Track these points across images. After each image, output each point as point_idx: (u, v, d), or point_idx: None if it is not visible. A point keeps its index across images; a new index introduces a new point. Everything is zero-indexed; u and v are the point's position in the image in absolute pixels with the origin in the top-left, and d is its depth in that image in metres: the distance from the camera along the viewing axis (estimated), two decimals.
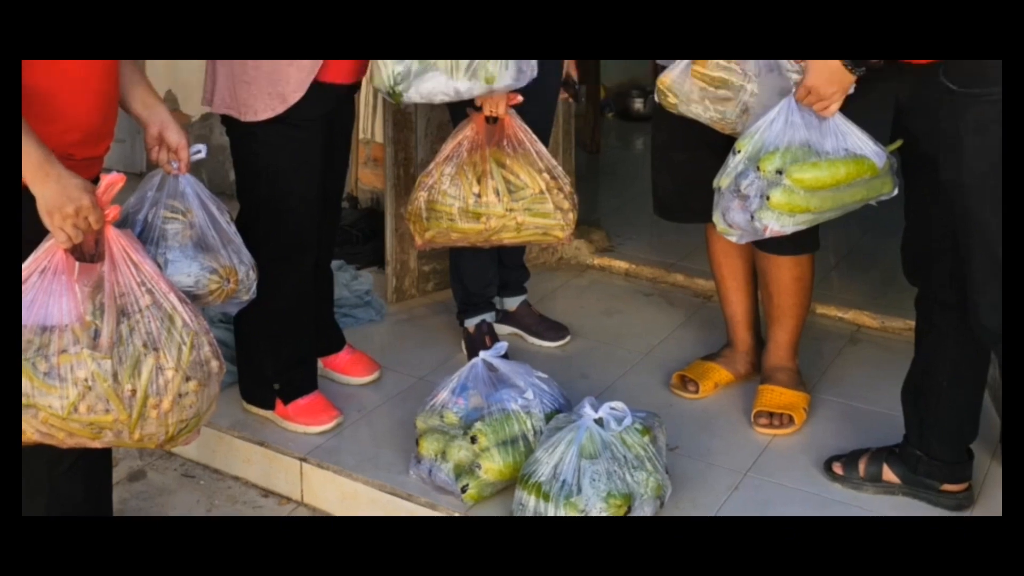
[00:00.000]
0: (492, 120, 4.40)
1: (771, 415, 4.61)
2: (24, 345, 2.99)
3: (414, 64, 4.03)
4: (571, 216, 4.49)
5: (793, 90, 3.73)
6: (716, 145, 4.07)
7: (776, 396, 4.70)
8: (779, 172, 3.65)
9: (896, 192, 3.83)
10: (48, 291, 3.03)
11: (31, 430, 3.02)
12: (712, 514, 4.07)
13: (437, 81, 4.06)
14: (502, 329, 5.49)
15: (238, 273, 3.54)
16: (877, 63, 3.54)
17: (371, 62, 4.20)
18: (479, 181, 4.36)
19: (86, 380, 3.00)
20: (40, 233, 3.05)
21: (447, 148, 4.45)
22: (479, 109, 4.39)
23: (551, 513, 3.71)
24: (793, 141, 3.69)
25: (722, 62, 3.91)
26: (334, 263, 5.23)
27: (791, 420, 4.61)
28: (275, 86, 4.13)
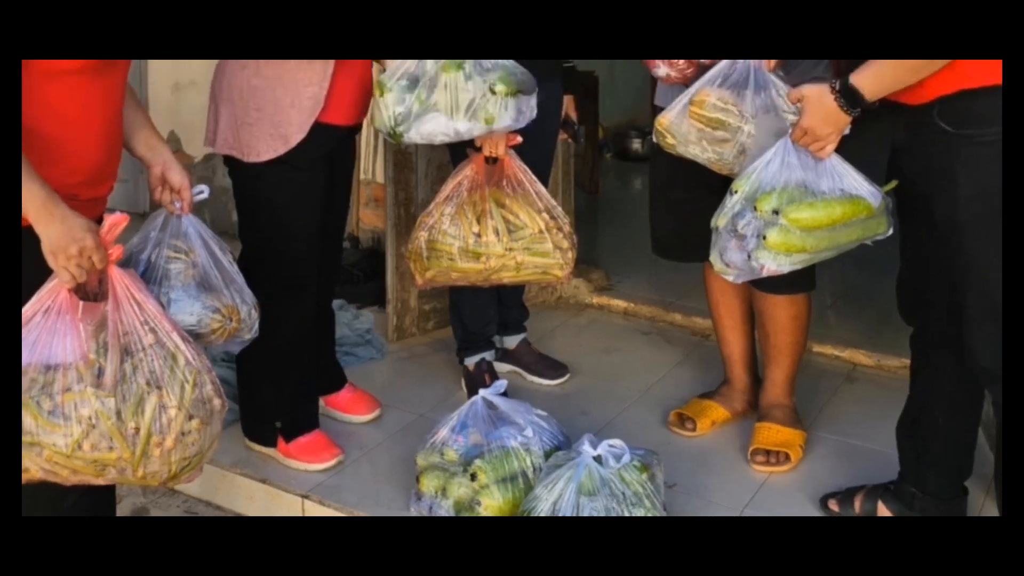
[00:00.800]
0: (492, 160, 4.41)
1: (768, 452, 4.61)
2: (28, 384, 2.99)
3: (414, 105, 4.05)
4: (570, 255, 4.50)
5: (789, 131, 3.74)
6: (713, 185, 4.08)
7: (773, 434, 4.70)
8: (776, 212, 3.66)
9: (891, 232, 3.84)
10: (52, 330, 3.04)
11: (35, 468, 3.02)
12: None
13: (437, 122, 4.07)
14: (502, 367, 5.50)
15: (240, 312, 3.55)
16: (872, 104, 3.55)
17: (372, 103, 4.22)
18: (479, 221, 4.37)
19: (90, 418, 3.00)
20: (44, 272, 3.05)
21: (447, 188, 4.46)
22: (479, 149, 4.40)
23: None
24: (789, 181, 3.70)
25: (719, 103, 3.92)
26: (335, 302, 5.24)
27: (787, 457, 4.60)
28: (277, 127, 4.14)
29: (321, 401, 4.97)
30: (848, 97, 3.53)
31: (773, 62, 3.94)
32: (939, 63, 3.32)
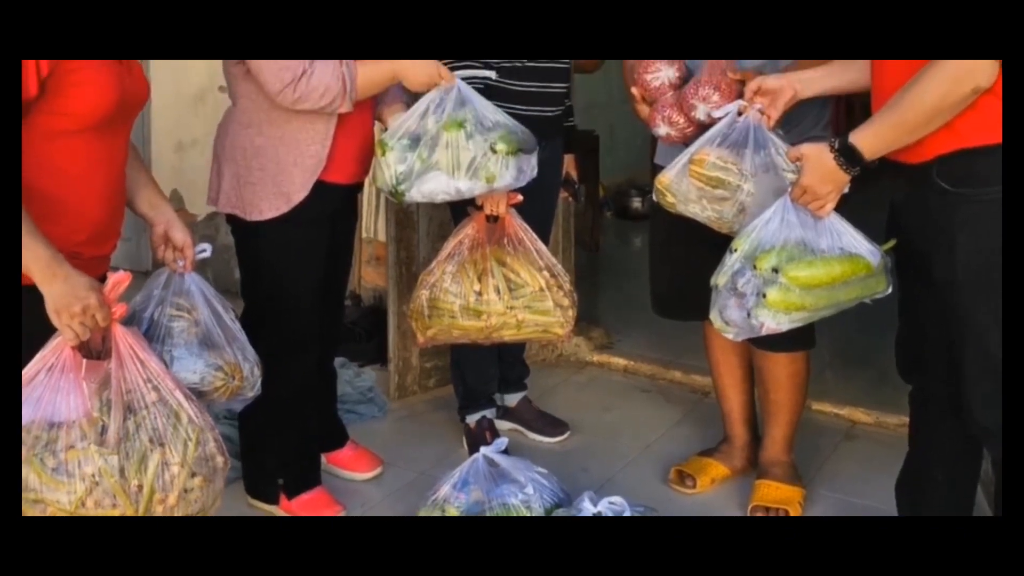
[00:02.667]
0: (493, 219, 4.42)
1: (767, 509, 4.60)
2: (32, 441, 2.99)
3: (416, 164, 4.05)
4: (571, 313, 4.50)
5: (789, 190, 3.74)
6: (713, 244, 4.07)
7: (772, 491, 4.68)
8: (775, 270, 3.65)
9: (890, 290, 3.83)
10: (56, 388, 3.03)
11: None
12: None
13: (439, 181, 4.07)
14: (502, 425, 5.49)
15: (243, 370, 3.54)
16: (871, 163, 3.55)
17: (374, 162, 4.22)
18: (480, 279, 4.37)
19: (93, 475, 2.99)
20: (48, 331, 3.05)
21: (448, 246, 4.46)
22: (480, 208, 4.40)
23: None
24: (789, 240, 3.69)
25: (719, 162, 3.92)
26: (337, 360, 5.23)
27: (787, 515, 4.58)
28: (279, 186, 4.15)
29: (323, 458, 4.96)
30: (847, 156, 3.53)
31: (773, 120, 3.95)
32: (939, 122, 3.33)
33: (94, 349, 3.13)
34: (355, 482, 5.00)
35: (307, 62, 3.97)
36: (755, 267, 3.70)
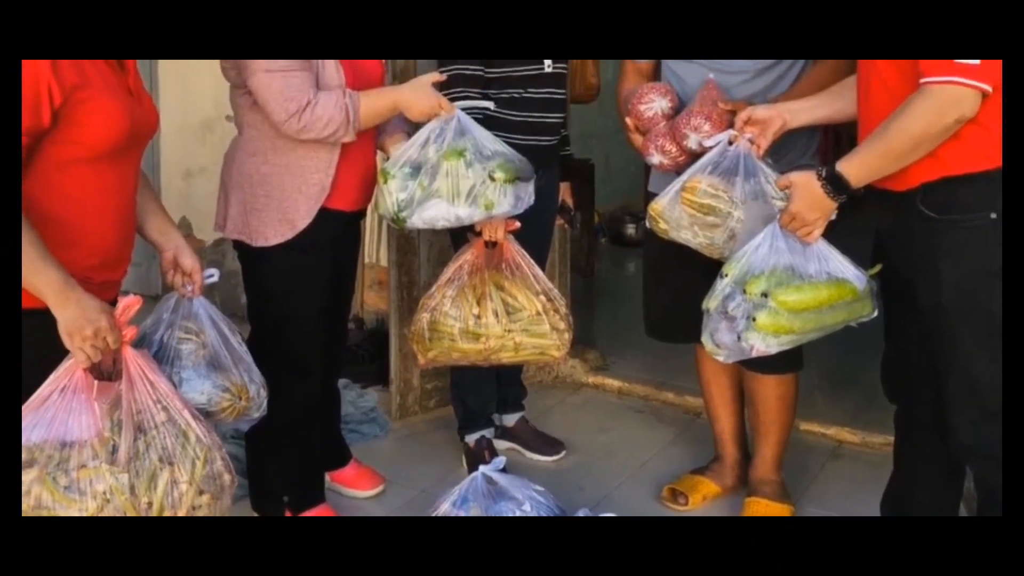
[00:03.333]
0: (491, 245, 4.42)
1: None
2: (45, 460, 2.99)
3: (417, 191, 4.05)
4: (567, 336, 4.50)
5: (778, 217, 3.75)
6: (705, 269, 4.08)
7: (762, 508, 4.69)
8: (765, 295, 3.66)
9: (876, 314, 3.84)
10: (68, 408, 3.04)
11: None
12: None
13: (439, 208, 4.08)
14: (501, 444, 5.49)
15: (249, 391, 3.54)
16: (858, 190, 3.57)
17: (376, 190, 4.23)
18: (479, 303, 4.37)
19: (104, 493, 3.00)
20: (61, 353, 3.06)
21: (448, 271, 4.47)
22: (479, 234, 4.41)
23: None
24: (778, 265, 3.70)
25: (710, 190, 3.93)
26: (341, 381, 5.23)
27: None
28: (285, 213, 4.15)
29: (327, 476, 4.95)
30: (834, 184, 3.54)
31: (762, 149, 3.96)
32: (923, 150, 3.34)
33: (105, 371, 3.14)
34: (358, 499, 5.00)
35: (311, 92, 3.98)
36: (745, 291, 3.71)
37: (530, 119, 4.76)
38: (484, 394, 5.35)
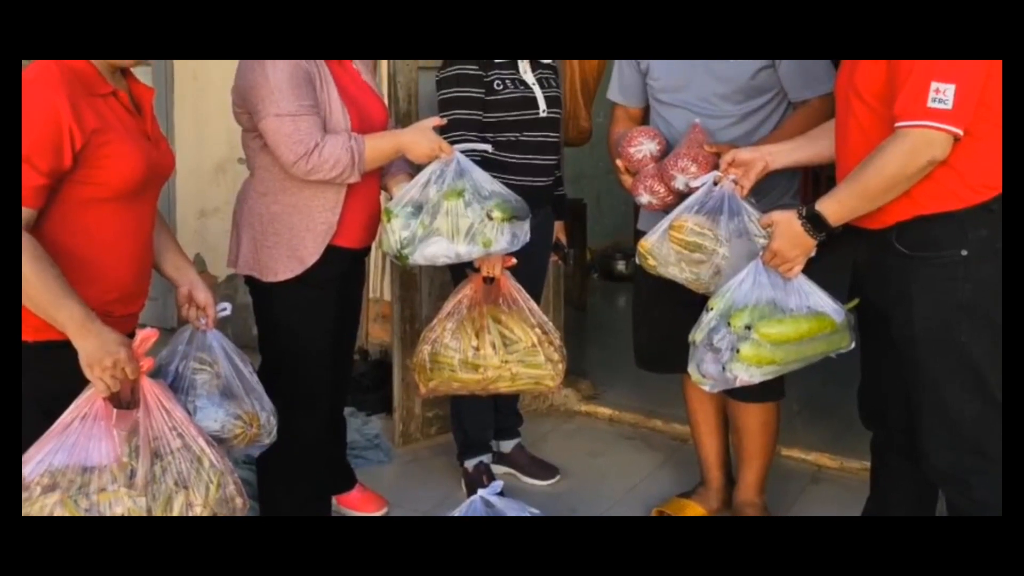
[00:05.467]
0: (489, 280, 4.42)
1: None
2: (67, 484, 3.00)
3: (419, 230, 4.05)
4: (560, 367, 4.50)
5: (760, 253, 3.75)
6: (691, 303, 4.08)
7: None
8: (748, 328, 3.66)
9: (853, 346, 3.84)
10: (88, 435, 3.04)
11: None
12: None
13: (440, 245, 4.08)
14: (498, 469, 5.48)
15: (260, 419, 3.53)
16: (836, 228, 3.57)
17: (380, 228, 4.23)
18: (477, 335, 4.37)
19: (123, 515, 3.00)
20: (81, 383, 3.06)
21: (448, 305, 4.47)
22: (477, 270, 4.41)
23: None
24: (761, 299, 3.70)
25: (696, 228, 3.93)
26: (346, 409, 5.22)
27: None
28: (294, 250, 4.15)
29: (333, 499, 4.95)
30: (814, 222, 3.55)
31: (746, 190, 3.96)
32: (898, 191, 3.35)
33: (124, 400, 3.13)
34: None
35: (319, 136, 3.99)
36: (730, 324, 3.71)
37: (526, 161, 4.77)
38: (482, 422, 5.35)
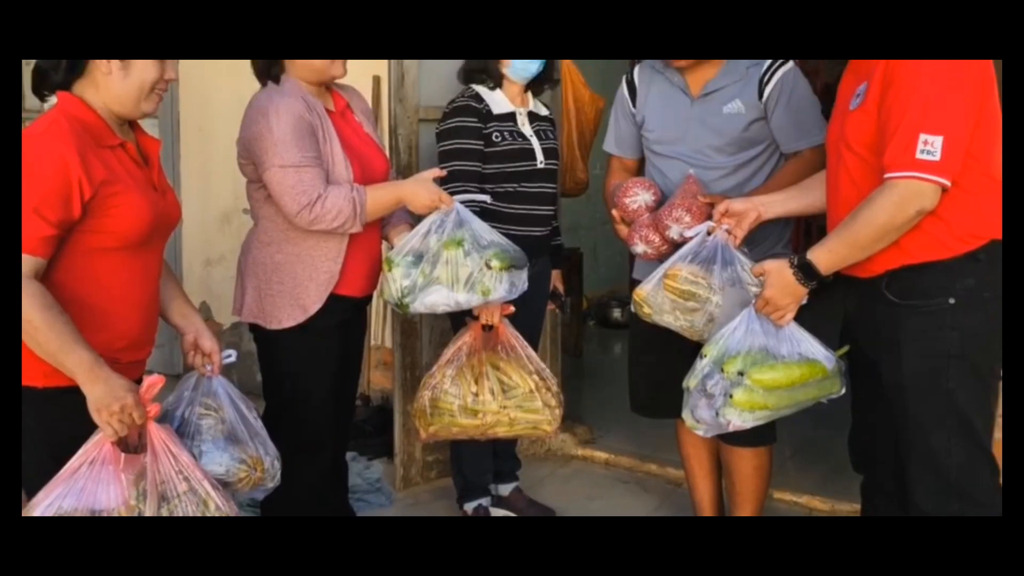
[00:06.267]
0: (488, 328, 4.42)
1: None
2: None
3: (419, 279, 4.07)
4: (558, 412, 4.50)
5: (753, 302, 3.76)
6: (685, 350, 4.08)
7: None
8: (741, 374, 3.67)
9: (844, 391, 3.84)
10: (97, 479, 3.04)
11: None
12: None
13: (440, 294, 4.09)
14: (497, 512, 5.46)
15: (264, 463, 3.53)
16: (827, 277, 3.58)
17: (381, 277, 4.24)
18: (476, 382, 4.37)
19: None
20: (90, 428, 3.06)
21: (448, 352, 4.47)
22: (476, 318, 4.41)
23: None
24: (753, 346, 3.71)
25: (690, 277, 3.94)
26: (348, 454, 5.22)
27: None
28: (297, 299, 4.17)
29: None
30: (805, 271, 3.56)
31: (739, 239, 3.97)
32: (887, 240, 3.37)
33: (131, 444, 3.14)
34: None
35: (322, 187, 4.00)
36: (723, 371, 3.72)
37: (524, 212, 4.78)
38: (481, 466, 5.34)
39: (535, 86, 4.93)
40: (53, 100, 3.30)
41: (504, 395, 4.38)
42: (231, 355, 3.68)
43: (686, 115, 4.45)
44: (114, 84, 3.27)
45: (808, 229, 9.41)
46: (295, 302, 4.19)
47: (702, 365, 3.81)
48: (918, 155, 3.24)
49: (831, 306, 3.86)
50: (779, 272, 3.64)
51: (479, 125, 4.70)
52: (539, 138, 4.85)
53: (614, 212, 4.47)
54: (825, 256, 3.53)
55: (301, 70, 4.19)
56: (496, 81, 4.79)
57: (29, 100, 3.47)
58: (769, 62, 4.37)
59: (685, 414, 3.93)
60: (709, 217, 4.09)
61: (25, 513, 2.97)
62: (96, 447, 3.07)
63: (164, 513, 3.07)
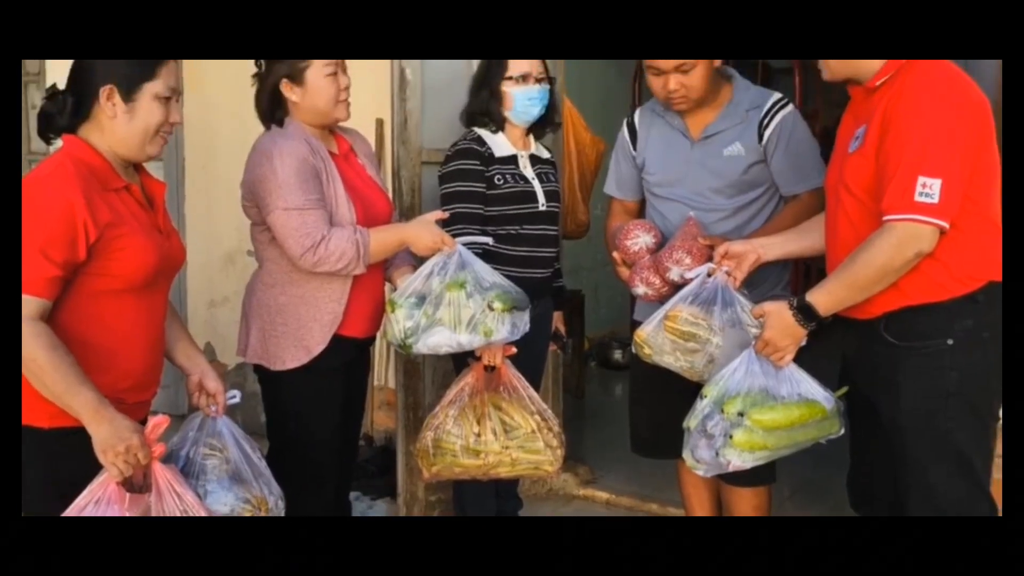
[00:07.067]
0: (490, 369, 4.42)
1: None
2: None
3: (422, 320, 4.07)
4: (559, 453, 4.49)
5: (753, 343, 3.77)
6: (685, 391, 4.08)
7: None
8: (741, 414, 3.67)
9: (843, 432, 3.84)
10: None
11: None
12: None
13: (442, 335, 4.09)
14: None
15: (268, 503, 3.53)
16: (826, 319, 3.58)
17: (384, 318, 4.25)
18: (479, 422, 4.37)
19: None
20: (95, 468, 3.07)
21: (451, 393, 4.46)
22: (479, 359, 4.41)
23: None
24: (753, 387, 3.71)
25: (691, 318, 3.95)
26: (352, 494, 5.21)
27: None
28: (301, 340, 4.17)
29: None
30: (804, 313, 3.56)
31: (739, 281, 3.98)
32: (886, 282, 3.38)
33: (137, 484, 3.14)
34: None
35: (325, 229, 4.01)
36: (723, 411, 3.72)
37: (526, 253, 4.78)
38: (484, 506, 5.32)
39: (537, 129, 4.94)
40: (59, 143, 3.32)
41: (506, 435, 4.38)
42: (235, 396, 3.69)
43: (686, 158, 4.46)
44: (119, 127, 3.29)
45: (807, 271, 9.40)
46: (299, 343, 4.19)
47: (702, 406, 3.81)
48: (917, 197, 3.25)
49: (829, 345, 3.86)
50: (779, 314, 3.65)
51: (481, 168, 4.70)
52: (541, 181, 4.85)
53: (615, 254, 4.48)
54: (824, 298, 3.54)
55: (305, 113, 4.21)
56: (498, 124, 4.79)
57: (35, 143, 3.50)
58: (769, 105, 4.39)
59: (685, 454, 3.92)
60: (709, 259, 4.09)
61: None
62: (101, 487, 3.09)
63: None
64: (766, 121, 4.37)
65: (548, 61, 4.86)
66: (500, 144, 4.75)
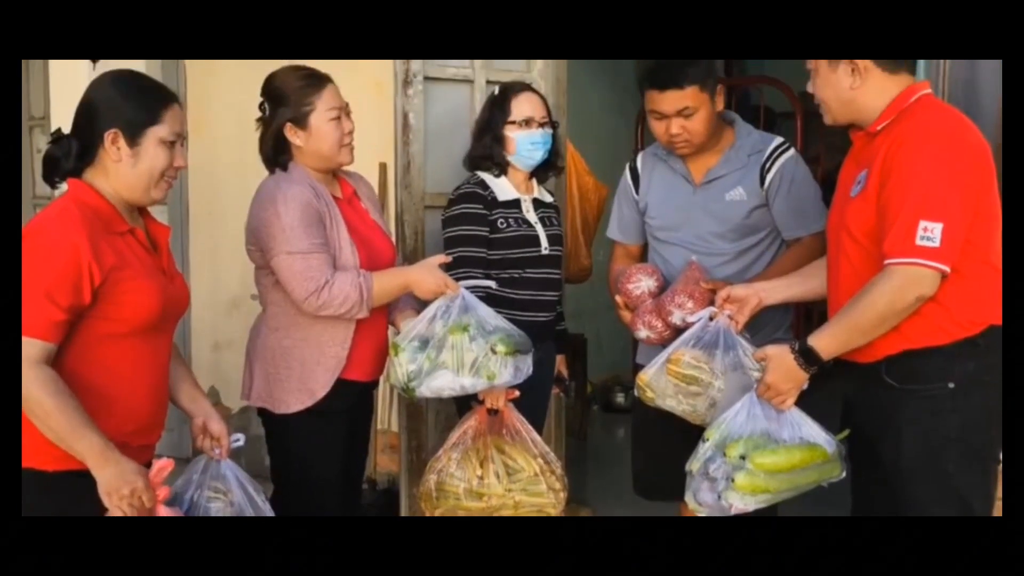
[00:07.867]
0: (493, 412, 4.42)
1: None
2: None
3: (425, 363, 4.07)
4: (562, 495, 4.49)
5: (755, 386, 3.77)
6: (688, 434, 4.07)
7: None
8: (743, 458, 3.67)
9: (844, 475, 3.84)
10: None
11: None
12: None
13: (445, 378, 4.09)
14: None
15: None
16: (828, 362, 3.59)
17: (387, 362, 4.25)
18: (482, 465, 4.37)
19: None
20: (100, 511, 3.07)
21: (454, 436, 4.47)
22: (482, 402, 4.41)
23: None
24: (755, 431, 3.71)
25: (693, 362, 3.95)
26: None
27: None
28: (305, 383, 4.17)
29: None
30: (806, 356, 3.57)
31: (740, 325, 3.98)
32: (887, 326, 3.39)
33: None
34: None
35: (329, 273, 4.02)
36: (725, 455, 3.71)
37: (528, 297, 4.78)
38: None
39: (540, 173, 4.94)
40: (64, 187, 3.33)
41: (509, 478, 4.38)
42: (239, 439, 3.69)
43: (688, 202, 4.47)
44: (124, 171, 3.30)
45: (809, 315, 9.40)
46: (303, 387, 4.19)
47: (704, 449, 3.81)
48: (918, 241, 3.26)
49: (830, 388, 3.86)
50: (780, 357, 3.65)
51: (484, 212, 4.70)
52: (543, 224, 4.85)
53: (618, 298, 4.48)
54: (826, 341, 3.55)
55: (308, 157, 4.22)
56: (501, 168, 4.79)
57: (40, 187, 3.51)
58: (771, 150, 4.41)
59: (688, 497, 3.92)
60: (711, 303, 4.10)
61: None
62: None
63: None
64: (768, 165, 4.38)
65: (551, 106, 4.87)
66: (503, 188, 4.76)
